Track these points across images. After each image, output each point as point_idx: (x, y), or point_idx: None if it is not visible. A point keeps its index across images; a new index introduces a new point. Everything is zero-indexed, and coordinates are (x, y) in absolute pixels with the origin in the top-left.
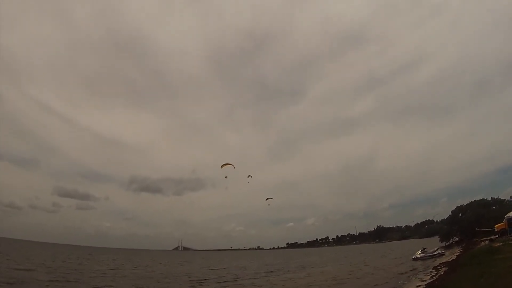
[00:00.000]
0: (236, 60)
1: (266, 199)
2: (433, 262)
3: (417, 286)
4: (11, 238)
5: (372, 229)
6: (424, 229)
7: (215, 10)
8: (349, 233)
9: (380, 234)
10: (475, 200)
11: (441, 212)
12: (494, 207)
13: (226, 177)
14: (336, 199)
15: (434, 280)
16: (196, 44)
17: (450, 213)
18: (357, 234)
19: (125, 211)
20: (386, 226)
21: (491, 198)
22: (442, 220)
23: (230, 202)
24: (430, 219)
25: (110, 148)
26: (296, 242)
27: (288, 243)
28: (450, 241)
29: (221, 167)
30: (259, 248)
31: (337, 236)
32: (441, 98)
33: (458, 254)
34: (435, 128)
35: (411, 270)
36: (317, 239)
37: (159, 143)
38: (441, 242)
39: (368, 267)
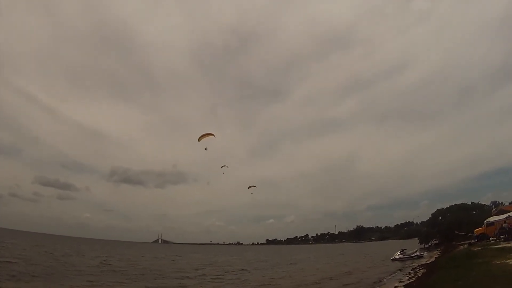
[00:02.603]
0: (220, 58)
1: (249, 187)
2: (412, 263)
3: (395, 286)
4: None
5: (352, 229)
6: (404, 231)
7: (201, 6)
8: (328, 232)
9: (360, 234)
10: (455, 204)
11: (421, 214)
12: (474, 212)
13: (206, 149)
14: (316, 198)
15: (412, 282)
16: (181, 40)
17: (430, 216)
18: (337, 233)
19: (106, 203)
20: (365, 226)
21: (472, 202)
22: (422, 222)
23: (211, 198)
24: (410, 221)
25: (92, 140)
26: (276, 239)
27: (267, 239)
28: (429, 244)
29: (199, 140)
30: (238, 243)
31: (316, 234)
32: (425, 103)
33: (436, 256)
34: (418, 132)
35: (390, 271)
36: (296, 236)
37: (142, 136)
38: (420, 244)
39: (346, 266)
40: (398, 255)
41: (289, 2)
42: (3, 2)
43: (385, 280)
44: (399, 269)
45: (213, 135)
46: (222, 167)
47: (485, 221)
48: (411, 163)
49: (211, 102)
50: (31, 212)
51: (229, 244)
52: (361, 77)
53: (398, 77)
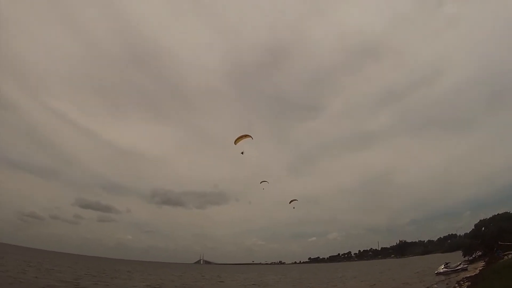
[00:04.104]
0: (253, 75)
1: (290, 201)
2: (456, 276)
3: None
4: (31, 248)
5: (395, 244)
6: (447, 244)
7: (233, 26)
8: (371, 248)
9: (403, 249)
10: (498, 214)
11: (464, 226)
12: None
13: (242, 152)
14: (357, 213)
15: None
16: (214, 59)
17: (473, 227)
18: (380, 249)
19: (147, 224)
20: (408, 240)
21: None
22: (465, 234)
23: (252, 216)
24: (453, 233)
25: (131, 161)
26: (318, 257)
27: (310, 257)
28: (473, 256)
29: (235, 143)
30: (280, 262)
31: (359, 251)
32: (460, 110)
33: (481, 268)
34: (455, 140)
35: (434, 285)
36: (339, 254)
37: (180, 156)
38: (464, 257)
39: (393, 281)
40: (442, 268)
41: (319, 17)
42: (36, 25)
43: None
44: (443, 284)
45: (250, 137)
46: (261, 182)
47: None
48: (449, 172)
49: (247, 119)
50: (72, 234)
51: (271, 263)
52: (395, 88)
53: (432, 85)
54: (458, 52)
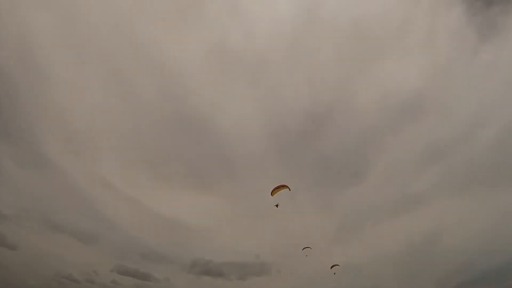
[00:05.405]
0: (296, 141)
1: (332, 267)
2: None
3: None
4: None
5: None
6: None
7: (275, 94)
8: None
9: None
10: None
11: None
12: None
13: (277, 205)
14: (403, 280)
15: None
16: (256, 128)
17: None
18: None
19: None
20: None
21: None
22: None
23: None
24: None
25: (173, 229)
26: None
27: None
28: None
29: (272, 194)
30: None
31: None
32: (506, 160)
33: None
34: (503, 193)
35: None
36: None
37: (222, 226)
38: None
39: None
40: None
41: (361, 78)
42: (81, 88)
43: None
44: None
45: (288, 188)
46: (303, 249)
47: None
48: (498, 229)
49: (290, 188)
50: None
51: None
52: (438, 145)
53: (476, 138)
54: (499, 100)
